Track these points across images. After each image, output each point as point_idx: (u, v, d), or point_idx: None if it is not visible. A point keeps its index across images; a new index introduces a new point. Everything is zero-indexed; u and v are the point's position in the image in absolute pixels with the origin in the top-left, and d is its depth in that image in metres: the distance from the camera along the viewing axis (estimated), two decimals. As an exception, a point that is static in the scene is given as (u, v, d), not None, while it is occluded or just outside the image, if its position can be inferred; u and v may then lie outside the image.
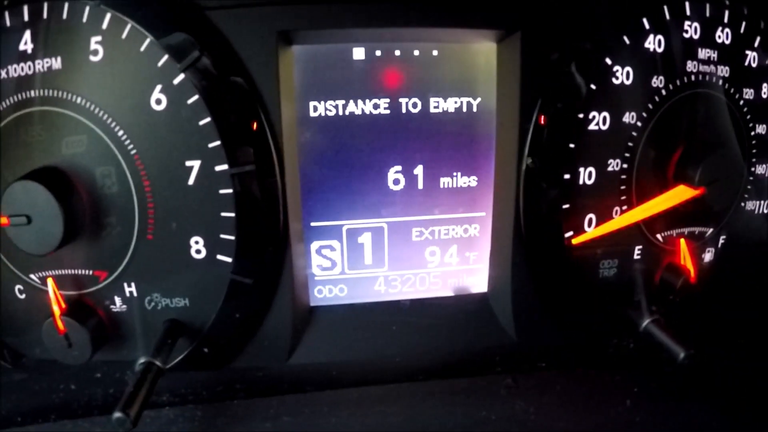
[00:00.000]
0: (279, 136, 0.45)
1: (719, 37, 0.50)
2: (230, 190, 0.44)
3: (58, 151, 0.44)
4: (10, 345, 0.50)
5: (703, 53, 0.49)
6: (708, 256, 0.55)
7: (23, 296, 0.48)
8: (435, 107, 0.49)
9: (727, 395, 0.50)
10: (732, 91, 0.51)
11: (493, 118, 0.50)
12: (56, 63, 0.43)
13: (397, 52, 0.48)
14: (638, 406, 0.48)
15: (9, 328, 0.50)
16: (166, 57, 0.42)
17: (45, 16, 0.43)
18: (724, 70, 0.50)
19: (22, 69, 0.43)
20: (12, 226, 0.42)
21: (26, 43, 0.43)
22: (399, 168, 0.50)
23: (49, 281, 0.46)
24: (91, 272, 0.46)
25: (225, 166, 0.43)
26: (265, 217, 0.45)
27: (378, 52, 0.48)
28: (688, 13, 0.48)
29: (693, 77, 0.49)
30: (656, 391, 0.50)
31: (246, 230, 0.44)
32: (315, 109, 0.48)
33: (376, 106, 0.49)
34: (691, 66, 0.49)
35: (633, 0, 0.47)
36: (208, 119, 0.43)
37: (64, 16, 0.43)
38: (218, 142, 0.43)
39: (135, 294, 0.47)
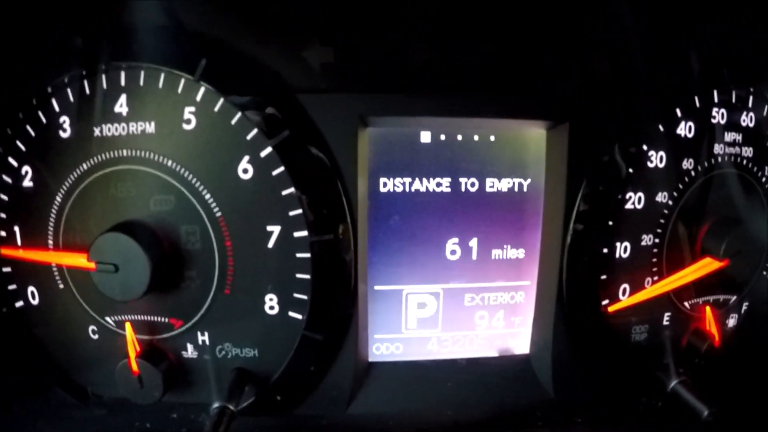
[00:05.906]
0: (354, 209, 0.48)
1: (743, 120, 0.53)
2: (307, 255, 0.46)
3: (145, 208, 0.46)
4: (80, 384, 0.53)
5: (729, 136, 0.52)
6: (732, 322, 0.58)
7: (96, 336, 0.50)
8: (490, 187, 0.53)
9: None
10: (755, 169, 0.54)
11: (540, 197, 0.53)
12: (149, 127, 0.45)
13: (459, 137, 0.52)
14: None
15: (78, 367, 0.52)
16: (255, 131, 0.45)
17: (141, 83, 0.45)
18: (748, 151, 0.53)
19: (116, 129, 0.46)
20: (98, 272, 0.44)
21: (121, 106, 0.45)
22: (456, 240, 0.54)
23: (127, 326, 0.48)
24: (167, 320, 0.49)
25: (304, 233, 0.46)
26: (338, 280, 0.48)
27: (442, 137, 0.52)
28: (716, 100, 0.51)
29: (719, 158, 0.52)
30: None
31: (320, 291, 0.47)
32: (384, 184, 0.52)
33: (438, 185, 0.52)
34: (718, 148, 0.52)
35: (667, 92, 0.50)
36: (291, 190, 0.45)
37: (160, 85, 0.45)
38: (299, 211, 0.45)
39: (207, 342, 0.49)
